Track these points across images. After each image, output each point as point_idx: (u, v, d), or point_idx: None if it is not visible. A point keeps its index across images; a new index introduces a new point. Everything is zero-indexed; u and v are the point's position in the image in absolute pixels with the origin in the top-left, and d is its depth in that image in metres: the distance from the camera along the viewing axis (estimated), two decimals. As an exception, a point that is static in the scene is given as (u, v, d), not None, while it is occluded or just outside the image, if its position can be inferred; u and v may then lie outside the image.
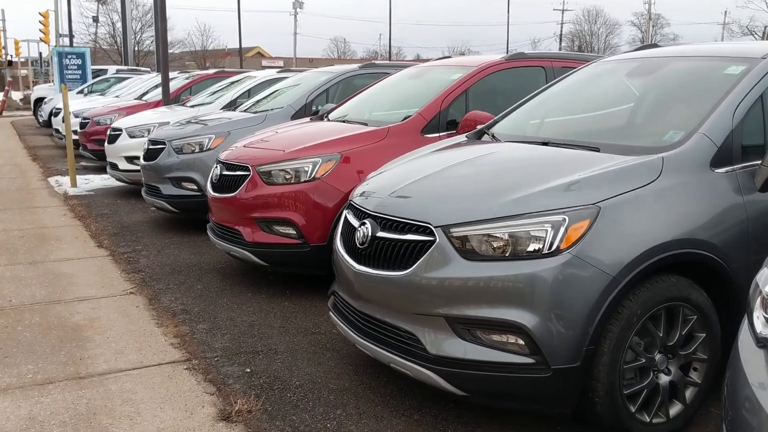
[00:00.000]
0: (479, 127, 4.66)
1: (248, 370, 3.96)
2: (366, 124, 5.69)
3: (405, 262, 3.16)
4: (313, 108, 7.75)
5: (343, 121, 6.02)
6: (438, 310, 3.03)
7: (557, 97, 4.54)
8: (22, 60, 54.92)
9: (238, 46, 53.20)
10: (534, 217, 2.94)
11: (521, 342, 2.91)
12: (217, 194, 5.61)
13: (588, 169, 3.15)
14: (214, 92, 11.17)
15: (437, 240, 3.05)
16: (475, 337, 2.99)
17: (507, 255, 2.95)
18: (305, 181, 5.12)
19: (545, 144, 3.73)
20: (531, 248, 2.91)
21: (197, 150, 7.40)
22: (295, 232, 5.12)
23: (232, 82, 11.27)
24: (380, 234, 3.30)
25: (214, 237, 5.69)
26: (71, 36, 32.33)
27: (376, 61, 8.56)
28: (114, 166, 9.94)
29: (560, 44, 78.59)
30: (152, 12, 52.81)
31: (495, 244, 2.97)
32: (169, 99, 12.07)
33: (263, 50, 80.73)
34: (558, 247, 2.87)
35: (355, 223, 3.54)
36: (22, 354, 4.20)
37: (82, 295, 5.36)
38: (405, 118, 5.55)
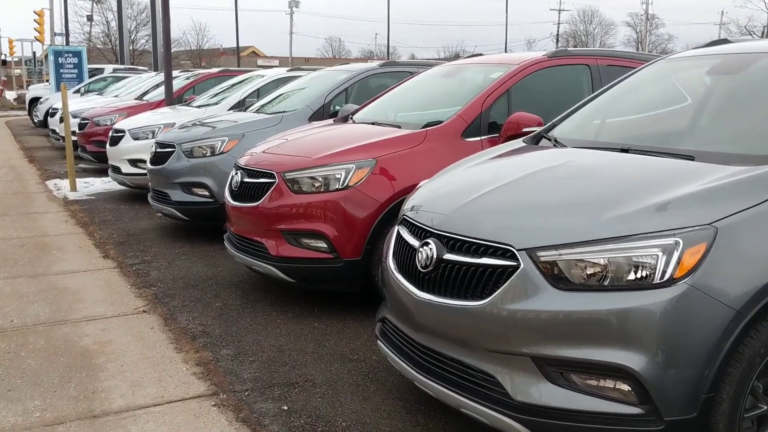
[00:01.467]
0: (535, 130, 4.22)
1: (285, 407, 3.49)
2: (399, 127, 5.23)
3: (480, 290, 2.70)
4: (332, 108, 7.30)
5: (372, 124, 5.56)
6: (523, 349, 2.58)
7: (623, 97, 4.09)
8: (16, 59, 54.29)
9: (232, 46, 52.63)
10: (641, 240, 2.48)
11: (627, 388, 2.45)
12: (237, 203, 5.13)
13: (692, 183, 2.70)
14: (220, 92, 10.69)
15: (521, 265, 2.60)
16: (569, 381, 2.54)
17: (607, 284, 2.50)
18: (337, 190, 4.65)
19: (625, 151, 3.28)
20: (637, 277, 2.46)
21: (209, 153, 6.93)
22: (326, 246, 4.66)
23: (239, 81, 10.80)
24: (448, 257, 2.84)
25: (233, 249, 5.22)
26: (67, 35, 31.77)
27: (398, 60, 8.09)
28: (117, 170, 9.45)
29: (557, 44, 78.35)
30: (147, 11, 52.23)
31: (592, 271, 2.52)
32: (172, 99, 11.59)
33: (258, 50, 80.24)
34: (672, 276, 2.42)
35: (413, 242, 3.08)
36: (27, 386, 3.72)
37: (90, 313, 4.89)
38: (438, 122, 5.09)
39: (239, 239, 5.15)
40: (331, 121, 6.23)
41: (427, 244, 2.94)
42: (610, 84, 4.18)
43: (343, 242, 4.62)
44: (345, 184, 4.65)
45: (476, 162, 3.66)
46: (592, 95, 4.17)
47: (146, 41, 57.08)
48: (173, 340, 4.39)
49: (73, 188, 10.22)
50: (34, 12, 31.06)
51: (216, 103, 9.84)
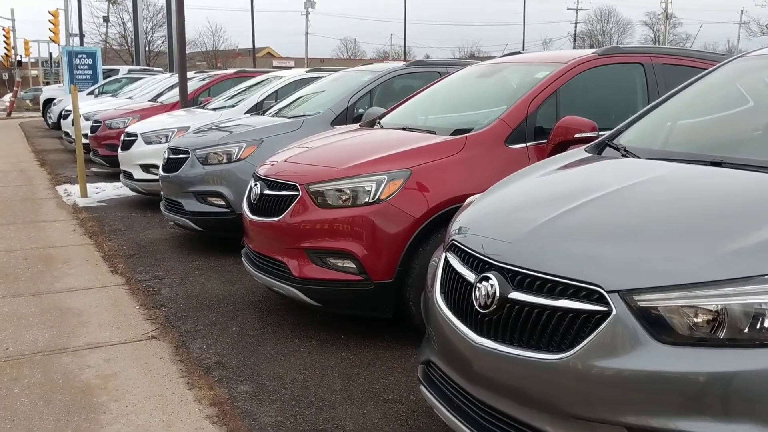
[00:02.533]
0: (588, 136, 3.73)
1: (314, 463, 3.00)
2: (433, 133, 4.72)
3: (559, 339, 2.19)
4: (355, 112, 6.82)
5: (403, 129, 5.06)
6: (616, 417, 2.06)
7: (699, 101, 3.56)
8: (32, 60, 54.33)
9: (248, 47, 52.38)
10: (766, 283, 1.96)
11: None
12: (256, 218, 4.64)
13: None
14: (236, 94, 10.25)
15: (613, 311, 2.08)
16: (679, 461, 2.02)
17: (723, 338, 1.98)
18: (367, 204, 4.16)
19: (717, 164, 2.75)
20: (763, 329, 1.94)
21: (225, 160, 6.46)
22: (354, 266, 4.16)
23: (257, 83, 10.34)
24: (515, 296, 2.33)
25: (252, 268, 4.73)
26: (81, 35, 31.51)
27: (425, 59, 7.59)
28: (128, 175, 9.01)
29: (574, 44, 77.54)
30: (163, 12, 51.98)
31: (704, 321, 2.00)
32: (187, 101, 11.16)
33: (273, 50, 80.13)
34: (810, 329, 1.90)
35: (468, 275, 2.57)
36: (17, 432, 3.26)
37: (94, 339, 4.42)
38: (478, 127, 4.58)
39: (258, 257, 4.66)
40: (356, 125, 5.74)
41: (486, 278, 2.43)
42: (683, 85, 3.65)
43: (374, 262, 4.13)
44: (376, 197, 4.15)
45: (537, 175, 3.14)
46: (663, 98, 3.64)
47: (162, 42, 56.97)
48: (185, 374, 3.90)
49: (84, 194, 9.81)
50: (49, 12, 30.80)
51: (232, 106, 9.40)
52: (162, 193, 7.14)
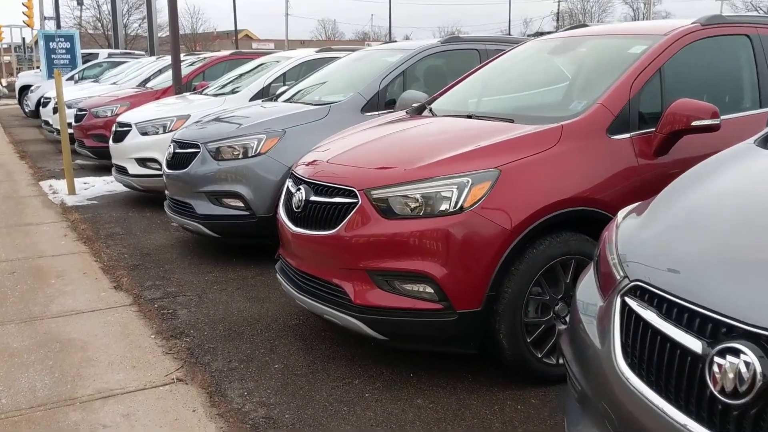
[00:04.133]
0: (708, 124, 3.05)
1: None
2: (511, 121, 3.89)
3: None
4: (387, 96, 5.97)
5: (468, 117, 4.23)
6: None
7: None
8: (5, 46, 52.55)
9: (225, 29, 51.00)
10: None
11: None
12: (301, 230, 3.79)
13: None
14: (236, 77, 9.33)
15: None
16: None
17: None
18: (446, 214, 3.33)
19: None
20: None
21: (242, 155, 5.58)
22: (432, 292, 3.34)
23: (258, 65, 9.42)
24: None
25: (294, 290, 3.88)
26: (58, 18, 30.16)
27: (460, 35, 6.75)
28: (122, 170, 8.09)
29: (557, 23, 76.73)
30: (140, -6, 50.18)
31: None
32: (181, 86, 10.23)
33: (251, 32, 78.48)
34: None
35: (689, 343, 1.75)
36: None
37: (105, 385, 3.58)
38: (576, 113, 3.76)
39: (303, 278, 3.82)
40: (401, 113, 4.88)
41: (732, 351, 1.62)
42: None
43: (457, 287, 3.31)
44: (458, 205, 3.32)
45: (723, 182, 2.32)
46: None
47: (139, 25, 55.31)
48: (228, 435, 3.08)
49: (72, 191, 8.87)
50: (22, -5, 29.40)
51: (232, 91, 8.50)
52: (166, 192, 6.26)
